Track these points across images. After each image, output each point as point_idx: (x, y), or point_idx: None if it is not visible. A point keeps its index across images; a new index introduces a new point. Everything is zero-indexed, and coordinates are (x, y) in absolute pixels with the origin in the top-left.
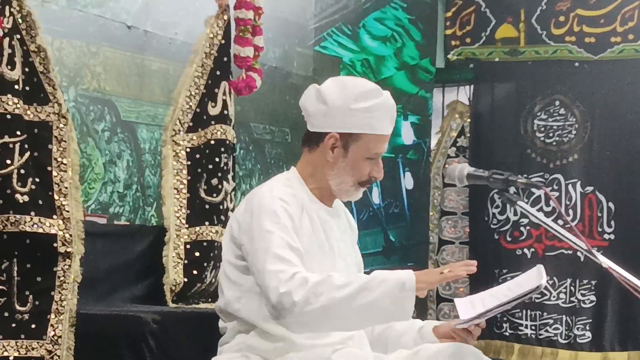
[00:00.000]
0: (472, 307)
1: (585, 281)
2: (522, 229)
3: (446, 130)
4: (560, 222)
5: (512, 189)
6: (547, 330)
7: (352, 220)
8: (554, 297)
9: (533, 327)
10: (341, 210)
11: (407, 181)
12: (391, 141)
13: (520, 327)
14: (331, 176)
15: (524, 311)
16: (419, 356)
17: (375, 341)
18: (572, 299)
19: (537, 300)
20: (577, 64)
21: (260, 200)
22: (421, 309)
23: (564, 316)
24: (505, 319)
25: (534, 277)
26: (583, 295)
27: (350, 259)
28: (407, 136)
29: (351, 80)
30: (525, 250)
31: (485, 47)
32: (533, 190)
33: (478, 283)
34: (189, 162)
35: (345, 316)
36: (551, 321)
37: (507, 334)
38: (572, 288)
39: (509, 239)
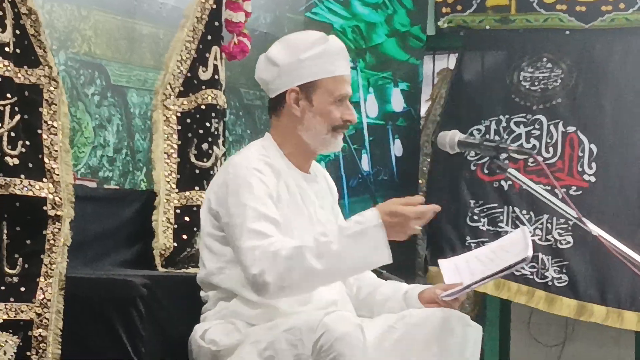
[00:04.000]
0: (457, 270)
1: (562, 220)
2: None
3: (436, 98)
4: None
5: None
6: (522, 267)
7: (332, 184)
8: (529, 232)
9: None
10: (320, 175)
11: (397, 148)
12: (381, 108)
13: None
14: (303, 130)
15: None
16: (404, 322)
17: (360, 305)
18: (549, 237)
19: None
20: (567, 32)
21: (235, 171)
22: (409, 273)
23: (539, 254)
24: None
25: (521, 244)
26: (560, 234)
27: (330, 224)
28: (397, 103)
29: (294, 35)
30: (503, 183)
31: (476, 14)
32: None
33: (455, 218)
34: (179, 127)
35: (322, 282)
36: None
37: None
38: (549, 225)
39: (486, 171)
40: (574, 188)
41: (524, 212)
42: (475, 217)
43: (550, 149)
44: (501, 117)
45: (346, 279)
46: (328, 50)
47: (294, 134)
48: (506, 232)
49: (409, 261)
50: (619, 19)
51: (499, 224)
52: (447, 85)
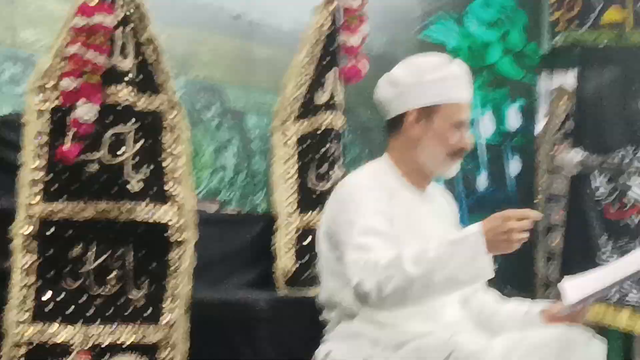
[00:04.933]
0: (577, 289)
1: None
2: (625, 199)
3: (552, 115)
4: None
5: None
6: None
7: (449, 203)
8: None
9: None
10: (437, 194)
11: (514, 166)
12: (498, 126)
13: (629, 295)
14: (419, 152)
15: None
16: (526, 342)
17: (481, 325)
18: None
19: None
20: None
21: (345, 190)
22: (527, 293)
23: None
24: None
25: None
26: None
27: None
28: (514, 121)
29: (418, 57)
30: (628, 221)
31: (591, 31)
32: None
33: (579, 260)
34: (298, 150)
35: (423, 293)
36: None
37: (614, 299)
38: None
39: (612, 209)
40: None
41: None
42: (607, 254)
43: None
44: (628, 148)
45: (449, 291)
46: (452, 75)
47: (410, 155)
48: None
49: (527, 278)
50: None
51: None
52: (570, 105)
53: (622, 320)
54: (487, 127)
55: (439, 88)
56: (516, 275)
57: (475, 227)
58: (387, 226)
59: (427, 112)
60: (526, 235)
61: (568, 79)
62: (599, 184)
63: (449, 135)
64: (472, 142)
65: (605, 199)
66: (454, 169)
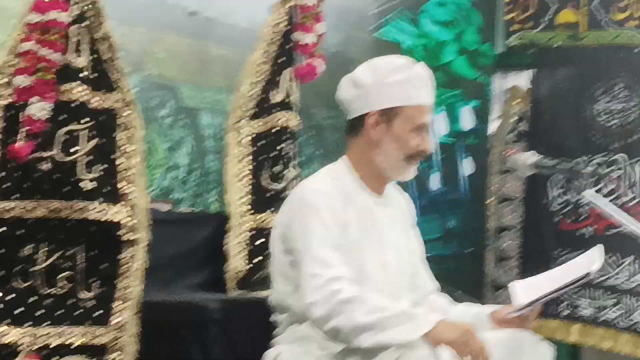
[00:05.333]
0: (527, 290)
1: None
2: (581, 209)
3: (506, 116)
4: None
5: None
6: (607, 312)
7: (407, 205)
8: (614, 277)
9: (593, 308)
10: (394, 198)
11: (467, 166)
12: (451, 126)
13: (579, 307)
14: (378, 155)
15: (583, 290)
16: None
17: None
18: (633, 279)
19: (596, 280)
20: (636, 50)
21: (302, 195)
22: (477, 294)
23: (624, 297)
24: (562, 298)
25: (592, 259)
26: None
27: (402, 248)
28: (467, 121)
29: (381, 59)
30: (584, 230)
31: (546, 32)
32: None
33: (534, 267)
34: (252, 149)
35: (364, 339)
36: (611, 302)
37: (564, 314)
38: (634, 267)
39: (568, 220)
40: None
41: (609, 255)
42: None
43: (629, 191)
44: (584, 157)
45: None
46: (413, 78)
47: (368, 157)
48: None
49: (477, 280)
50: None
51: None
52: (523, 106)
53: (574, 335)
54: (440, 127)
55: (400, 90)
56: (466, 278)
57: (434, 317)
58: (344, 237)
59: (388, 114)
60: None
61: (522, 79)
62: (554, 195)
63: (409, 138)
64: (433, 146)
65: (560, 210)
66: (411, 173)
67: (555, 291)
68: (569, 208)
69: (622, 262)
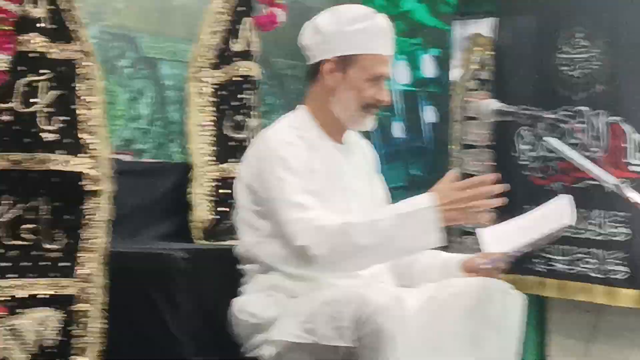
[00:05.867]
0: (496, 239)
1: (616, 213)
2: (550, 163)
3: (466, 64)
4: (587, 154)
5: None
6: (580, 265)
7: (368, 152)
8: (583, 230)
9: (565, 262)
10: (355, 145)
11: (429, 115)
12: (412, 74)
13: (552, 262)
14: (334, 102)
15: (555, 245)
16: (444, 291)
17: (400, 275)
18: (603, 231)
19: (567, 234)
20: None
21: (268, 145)
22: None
23: (595, 249)
24: (535, 253)
25: (563, 211)
26: (615, 227)
27: (365, 195)
28: (428, 69)
29: (344, 7)
30: (553, 185)
31: None
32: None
33: (503, 216)
34: (214, 99)
35: (371, 259)
36: (582, 255)
37: (539, 269)
38: (603, 220)
39: (539, 174)
40: (622, 179)
41: (578, 209)
42: None
43: (594, 142)
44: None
45: (396, 258)
46: (373, 27)
47: (325, 104)
48: None
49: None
50: None
51: None
52: (487, 54)
53: (550, 290)
54: (401, 75)
55: (359, 39)
56: None
57: (427, 199)
58: (315, 183)
59: (345, 62)
60: (487, 202)
61: (482, 27)
62: (522, 149)
63: (365, 87)
64: (389, 97)
65: (529, 165)
66: (368, 123)
67: (531, 243)
68: (537, 164)
69: (590, 215)
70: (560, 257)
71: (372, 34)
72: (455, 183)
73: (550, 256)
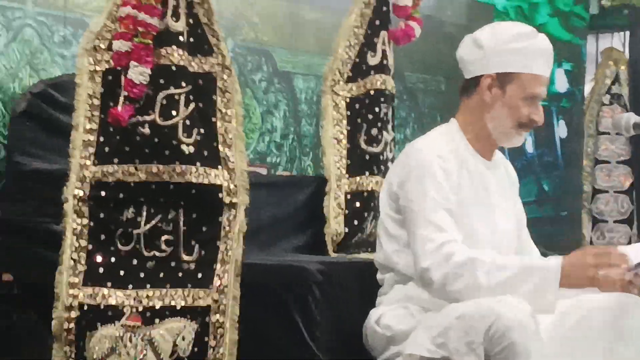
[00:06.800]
0: (637, 255)
1: None
2: None
3: (600, 78)
4: None
5: None
6: None
7: (512, 173)
8: None
9: None
10: (500, 163)
11: (561, 129)
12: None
13: None
14: (490, 119)
15: None
16: (579, 308)
17: None
18: None
19: None
20: None
21: (418, 156)
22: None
23: None
24: None
25: None
26: None
27: (509, 212)
28: (561, 84)
29: (506, 24)
30: None
31: None
32: None
33: None
34: (348, 112)
35: (485, 297)
36: None
37: None
38: None
39: None
40: None
41: None
42: None
43: None
44: None
45: None
46: (535, 47)
47: (480, 120)
48: None
49: (573, 243)
50: None
51: None
52: (617, 68)
53: None
54: None
55: (520, 57)
56: (563, 240)
57: (556, 261)
58: (457, 201)
59: (504, 79)
60: (617, 273)
61: (616, 41)
62: None
63: (521, 106)
64: (542, 118)
65: None
66: (520, 140)
67: None
68: None
69: None
70: None
71: (533, 53)
72: (590, 249)
73: None
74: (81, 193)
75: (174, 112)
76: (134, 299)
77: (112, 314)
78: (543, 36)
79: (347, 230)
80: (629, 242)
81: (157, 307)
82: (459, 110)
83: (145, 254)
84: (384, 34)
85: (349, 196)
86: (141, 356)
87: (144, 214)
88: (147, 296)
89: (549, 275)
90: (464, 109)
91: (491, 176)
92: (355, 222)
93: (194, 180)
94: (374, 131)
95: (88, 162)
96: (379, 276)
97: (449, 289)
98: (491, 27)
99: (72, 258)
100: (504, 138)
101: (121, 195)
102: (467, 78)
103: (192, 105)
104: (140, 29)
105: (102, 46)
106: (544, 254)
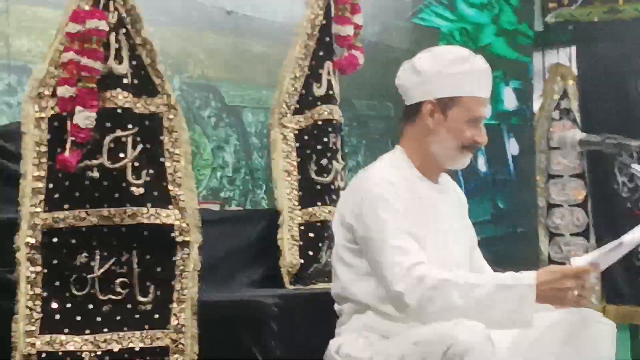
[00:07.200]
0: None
1: None
2: None
3: (548, 94)
4: None
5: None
6: None
7: (461, 195)
8: None
9: None
10: (449, 185)
11: (512, 147)
12: (494, 107)
13: None
14: (433, 143)
15: None
16: (536, 325)
17: None
18: None
19: None
20: None
21: (369, 185)
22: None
23: None
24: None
25: None
26: None
27: (460, 234)
28: (510, 102)
29: (443, 48)
30: None
31: (584, 7)
32: None
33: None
34: (297, 144)
35: (461, 317)
36: None
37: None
38: None
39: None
40: None
41: None
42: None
43: None
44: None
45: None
46: (473, 70)
47: (424, 145)
48: None
49: (531, 259)
50: None
51: None
52: (567, 83)
53: None
54: None
55: (460, 81)
56: (520, 257)
57: (529, 278)
58: (415, 224)
59: (445, 104)
60: (578, 286)
61: (562, 57)
62: (623, 180)
63: (464, 129)
64: (486, 138)
65: (631, 197)
66: (465, 162)
67: (617, 248)
68: (638, 195)
69: None
70: None
71: (472, 76)
72: (562, 268)
73: None
74: (33, 241)
75: (122, 155)
76: (92, 344)
77: (72, 359)
78: (480, 57)
79: (302, 261)
80: None
81: (116, 350)
82: (403, 136)
83: (101, 297)
84: (328, 64)
85: (302, 227)
86: None
87: (98, 258)
88: (105, 340)
89: (524, 292)
90: (407, 135)
91: (441, 199)
92: (310, 253)
93: (145, 221)
94: (324, 161)
95: (38, 210)
96: (336, 307)
97: (425, 312)
98: (429, 52)
99: (27, 306)
100: (448, 160)
101: (73, 241)
102: (408, 104)
103: (140, 147)
104: (83, 73)
105: (47, 92)
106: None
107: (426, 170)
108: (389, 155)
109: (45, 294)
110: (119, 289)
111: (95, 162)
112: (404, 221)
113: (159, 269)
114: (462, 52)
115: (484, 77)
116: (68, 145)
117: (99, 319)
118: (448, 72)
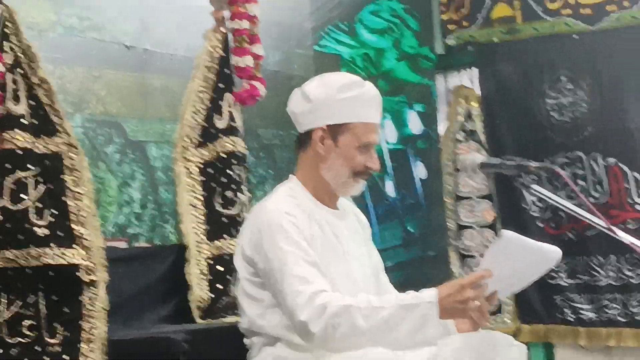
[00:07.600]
0: (498, 256)
1: (628, 255)
2: (560, 212)
3: (452, 116)
4: (592, 199)
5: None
6: (606, 312)
7: (362, 219)
8: (603, 276)
9: (593, 310)
10: (349, 210)
11: (420, 171)
12: (399, 132)
13: (582, 311)
14: (326, 170)
15: (581, 295)
16: (447, 349)
17: None
18: (621, 275)
19: (590, 283)
20: (575, 37)
21: (267, 216)
22: None
23: (617, 294)
24: (566, 304)
25: (544, 254)
26: (630, 270)
27: (364, 258)
28: (415, 125)
29: (333, 75)
30: (569, 234)
31: (483, 28)
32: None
33: None
34: (202, 178)
35: (369, 343)
36: (607, 302)
37: (570, 318)
38: (619, 265)
39: (552, 225)
40: (630, 222)
41: (592, 257)
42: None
43: (598, 187)
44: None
45: (395, 348)
46: (363, 96)
47: (317, 172)
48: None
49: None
50: (625, 17)
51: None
52: (470, 105)
53: (583, 339)
54: (389, 133)
55: (349, 107)
56: (431, 278)
57: (430, 295)
58: (316, 252)
59: (335, 130)
60: (478, 293)
61: (464, 78)
62: (531, 200)
63: (355, 156)
64: (378, 164)
65: (541, 216)
66: (358, 189)
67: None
68: (548, 214)
69: (608, 261)
70: (587, 306)
71: (362, 102)
72: (461, 280)
73: (578, 305)
74: None
75: (23, 196)
76: None
77: None
78: (369, 83)
79: (212, 295)
80: None
81: None
82: (297, 165)
83: (9, 341)
84: (228, 96)
85: (210, 261)
86: None
87: (4, 301)
88: None
89: (426, 309)
90: (301, 164)
91: (341, 225)
92: (220, 287)
93: (50, 261)
94: (229, 193)
95: None
96: (246, 341)
97: (331, 339)
98: (319, 79)
99: None
100: (342, 188)
101: None
102: (301, 132)
103: (41, 187)
104: None
105: None
106: None
107: (322, 197)
108: (283, 185)
109: None
110: (26, 332)
111: None
112: (304, 250)
113: (66, 310)
114: (352, 78)
115: (374, 103)
116: None
117: None
118: (337, 98)
